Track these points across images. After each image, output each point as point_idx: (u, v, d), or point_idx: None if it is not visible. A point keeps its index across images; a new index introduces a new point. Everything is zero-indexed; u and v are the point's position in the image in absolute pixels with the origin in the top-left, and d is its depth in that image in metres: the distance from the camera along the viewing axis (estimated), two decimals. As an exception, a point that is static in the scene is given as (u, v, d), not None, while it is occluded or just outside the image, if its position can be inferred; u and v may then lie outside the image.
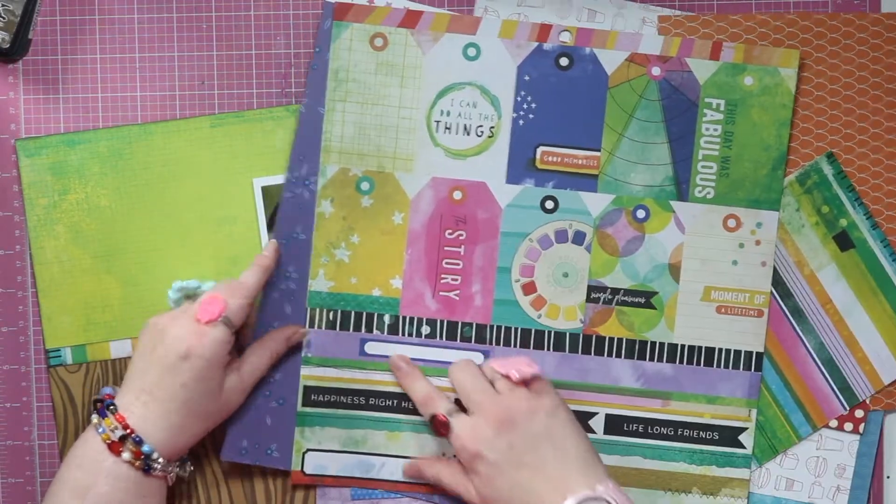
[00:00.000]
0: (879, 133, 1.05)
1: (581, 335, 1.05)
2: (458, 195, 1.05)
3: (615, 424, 1.05)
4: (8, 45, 1.04)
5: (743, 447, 1.05)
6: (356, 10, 1.04)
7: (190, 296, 1.01)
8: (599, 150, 1.05)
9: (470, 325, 1.05)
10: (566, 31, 1.05)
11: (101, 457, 0.95)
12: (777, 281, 1.05)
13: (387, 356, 1.04)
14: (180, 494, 1.04)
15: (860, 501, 1.05)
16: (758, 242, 1.05)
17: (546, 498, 0.94)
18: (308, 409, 1.04)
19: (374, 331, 1.05)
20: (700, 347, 1.05)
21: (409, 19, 1.04)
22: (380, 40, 1.04)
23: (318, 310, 1.04)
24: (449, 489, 1.00)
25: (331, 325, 1.04)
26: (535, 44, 1.05)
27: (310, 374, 1.04)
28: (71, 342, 1.05)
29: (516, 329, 1.05)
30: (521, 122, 1.05)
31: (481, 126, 1.05)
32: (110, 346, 1.05)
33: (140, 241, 1.05)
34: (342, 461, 1.04)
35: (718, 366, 1.05)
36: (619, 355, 1.05)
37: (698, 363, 1.05)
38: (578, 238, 1.05)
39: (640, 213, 1.05)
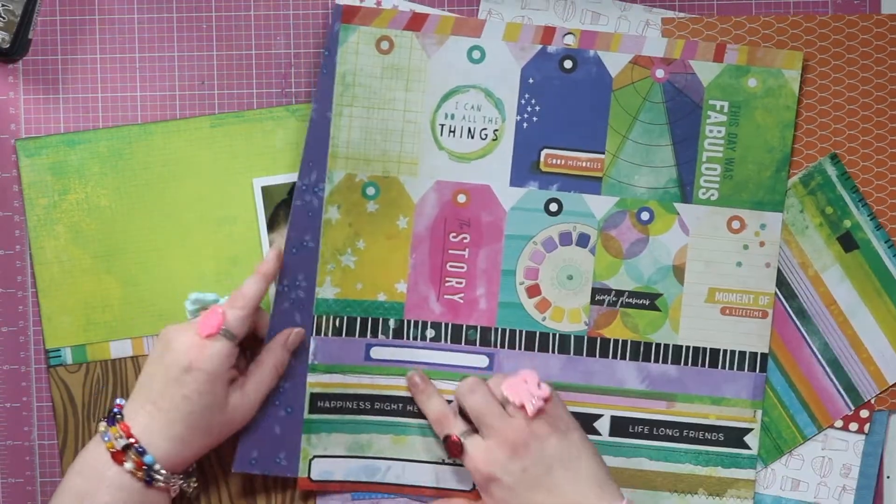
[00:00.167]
0: (883, 134, 1.05)
1: (586, 337, 1.05)
2: (462, 198, 1.05)
3: (620, 426, 1.05)
4: (8, 45, 1.04)
5: (748, 448, 1.05)
6: (364, 12, 1.04)
7: (206, 308, 1.00)
8: (603, 153, 1.05)
9: (475, 328, 1.05)
10: (570, 33, 1.05)
11: (104, 466, 0.95)
12: (781, 282, 1.05)
13: (392, 360, 1.04)
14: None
15: (866, 501, 1.06)
16: (762, 244, 1.05)
17: None
18: (314, 416, 1.04)
19: (380, 336, 1.04)
20: (704, 349, 1.05)
21: (415, 22, 1.04)
22: (386, 43, 1.04)
23: (324, 317, 1.04)
24: None
25: (337, 332, 1.04)
26: (539, 46, 1.05)
27: (316, 382, 1.04)
28: (71, 342, 1.05)
29: (521, 332, 1.05)
30: (525, 124, 1.05)
31: (485, 129, 1.05)
32: (110, 346, 1.05)
33: (140, 241, 1.05)
34: (348, 466, 1.04)
35: (723, 367, 1.05)
36: (623, 357, 1.05)
37: (703, 364, 1.05)
38: (583, 240, 1.05)
39: (644, 216, 1.05)
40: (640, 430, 1.05)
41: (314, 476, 1.04)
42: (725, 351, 1.05)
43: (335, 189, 1.04)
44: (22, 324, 1.06)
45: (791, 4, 1.07)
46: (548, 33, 1.05)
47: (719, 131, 1.05)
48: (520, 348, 1.05)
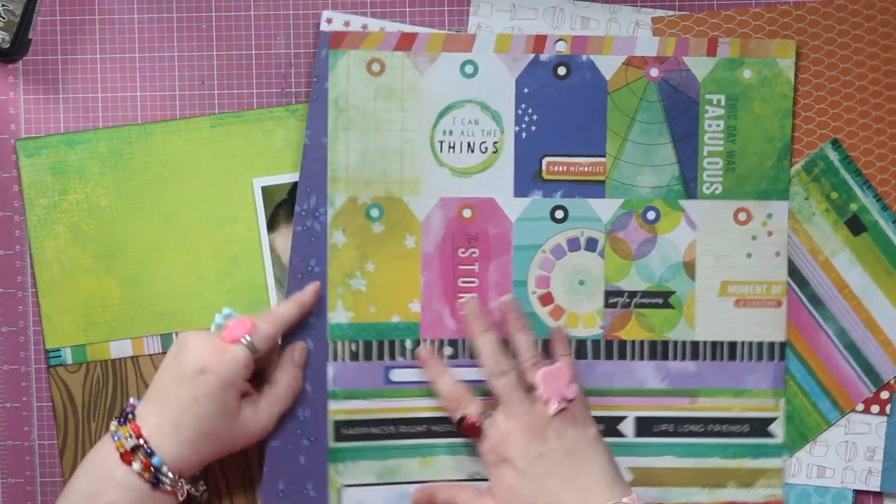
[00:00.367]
0: (881, 115, 1.06)
1: (602, 341, 1.05)
2: (467, 213, 1.05)
3: (645, 426, 1.05)
4: (8, 45, 1.03)
5: (774, 437, 1.05)
6: (351, 36, 1.04)
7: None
8: (604, 156, 1.05)
9: (491, 341, 1.05)
10: (561, 40, 1.05)
11: (113, 465, 0.95)
12: (792, 270, 1.06)
13: (413, 382, 1.04)
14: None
15: (892, 482, 1.06)
16: (770, 233, 1.05)
17: None
18: (340, 445, 1.04)
19: (398, 357, 1.04)
20: (722, 343, 1.05)
21: (404, 42, 1.04)
22: (377, 65, 1.04)
23: (339, 342, 1.04)
24: None
25: (353, 357, 1.04)
26: (532, 55, 1.04)
27: (338, 409, 1.04)
28: (71, 342, 1.05)
29: (538, 341, 1.05)
30: (523, 134, 1.05)
31: (485, 142, 1.05)
32: (110, 346, 1.05)
33: (140, 241, 1.05)
34: (381, 494, 1.04)
35: (742, 359, 1.05)
36: (641, 358, 1.05)
37: (722, 358, 1.05)
38: (591, 245, 1.05)
39: (651, 215, 1.05)
40: (665, 428, 1.05)
41: (346, 506, 1.04)
42: (743, 343, 1.05)
43: (338, 213, 1.04)
44: (22, 324, 1.06)
45: (777, -10, 1.07)
46: (539, 42, 1.05)
47: (718, 125, 1.05)
48: (537, 357, 1.05)
